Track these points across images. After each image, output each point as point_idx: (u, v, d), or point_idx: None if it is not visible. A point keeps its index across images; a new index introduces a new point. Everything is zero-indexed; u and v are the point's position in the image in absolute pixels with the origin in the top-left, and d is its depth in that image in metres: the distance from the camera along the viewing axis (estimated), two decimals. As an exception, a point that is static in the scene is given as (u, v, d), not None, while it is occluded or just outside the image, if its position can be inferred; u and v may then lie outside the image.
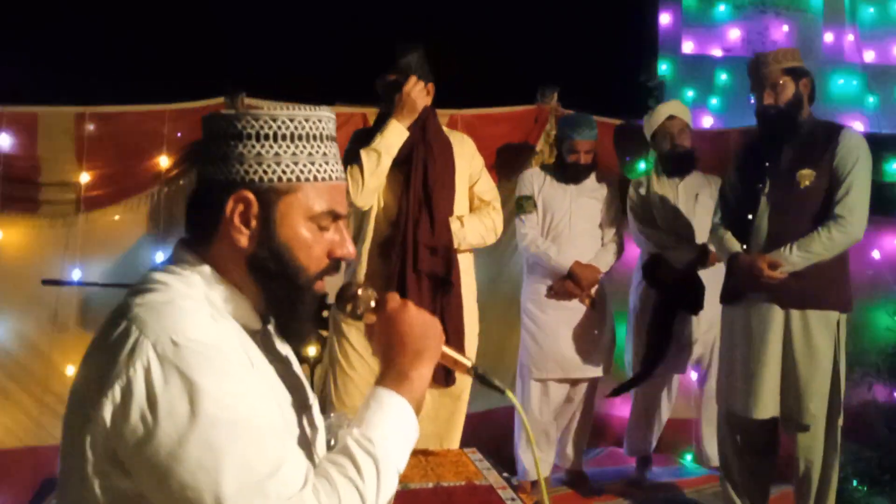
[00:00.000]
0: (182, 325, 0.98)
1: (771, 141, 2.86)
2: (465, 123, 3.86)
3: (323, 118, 1.13)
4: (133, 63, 4.98)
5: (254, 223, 1.07)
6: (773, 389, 2.76)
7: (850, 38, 5.97)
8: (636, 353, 3.63)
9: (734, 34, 5.78)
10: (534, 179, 3.60)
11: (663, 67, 5.52)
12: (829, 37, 5.99)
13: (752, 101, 2.94)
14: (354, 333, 2.79)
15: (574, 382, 3.54)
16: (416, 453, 2.60)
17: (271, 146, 1.07)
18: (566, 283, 3.45)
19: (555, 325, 3.49)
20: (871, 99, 5.77)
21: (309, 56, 5.36)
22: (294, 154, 1.08)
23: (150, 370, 0.94)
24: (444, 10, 5.38)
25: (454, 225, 2.84)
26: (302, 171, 1.08)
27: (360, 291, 1.17)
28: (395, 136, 2.72)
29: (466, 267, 2.95)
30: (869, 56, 6.12)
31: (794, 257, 2.70)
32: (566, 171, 3.55)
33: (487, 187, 3.05)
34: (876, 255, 4.33)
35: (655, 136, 3.63)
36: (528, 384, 3.52)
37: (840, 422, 2.81)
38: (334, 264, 1.14)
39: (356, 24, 5.57)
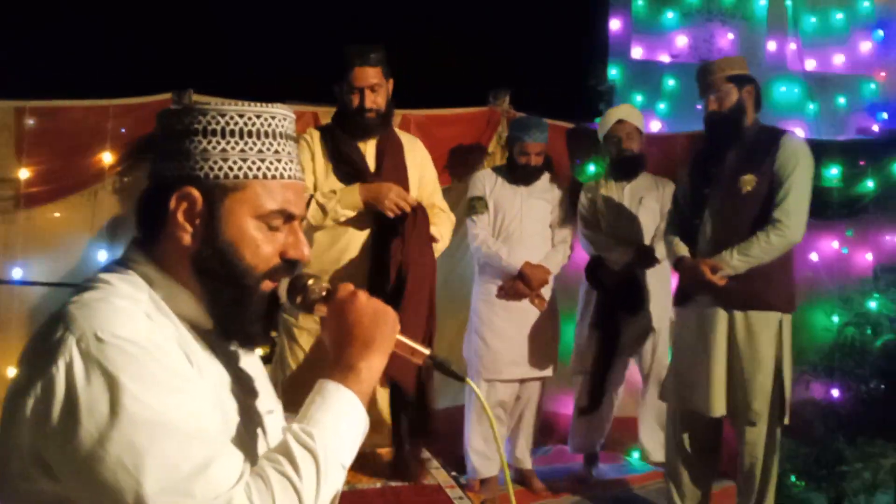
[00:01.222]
0: (111, 321, 0.95)
1: (715, 146, 2.94)
2: (418, 124, 3.87)
3: (277, 115, 1.10)
4: (77, 57, 4.86)
5: (198, 221, 1.05)
6: (721, 389, 2.83)
7: (793, 46, 6.16)
8: (578, 352, 3.70)
9: (681, 41, 5.91)
10: (485, 181, 3.63)
11: (613, 72, 5.61)
12: (772, 45, 6.18)
13: (700, 107, 3.02)
14: (305, 337, 2.76)
15: (523, 382, 3.57)
16: (365, 454, 2.60)
17: (218, 142, 1.05)
18: (516, 284, 3.49)
19: (505, 325, 3.52)
20: (811, 106, 5.97)
21: (260, 53, 5.31)
22: (243, 151, 1.06)
23: (71, 367, 0.91)
24: (398, 11, 5.39)
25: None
26: (250, 169, 1.06)
27: (310, 282, 1.13)
28: (349, 209, 2.69)
29: None
30: (810, 64, 6.32)
31: (735, 261, 2.77)
32: (517, 173, 3.59)
33: (440, 195, 3.04)
34: (814, 257, 4.48)
35: (605, 139, 3.69)
36: (478, 384, 3.54)
37: (786, 420, 2.89)
38: (287, 265, 1.11)
39: (308, 24, 5.53)
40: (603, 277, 3.60)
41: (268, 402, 1.20)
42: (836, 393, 4.08)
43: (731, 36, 6.02)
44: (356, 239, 2.74)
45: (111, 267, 1.08)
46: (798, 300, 3.03)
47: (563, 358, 3.76)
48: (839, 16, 6.45)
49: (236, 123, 1.06)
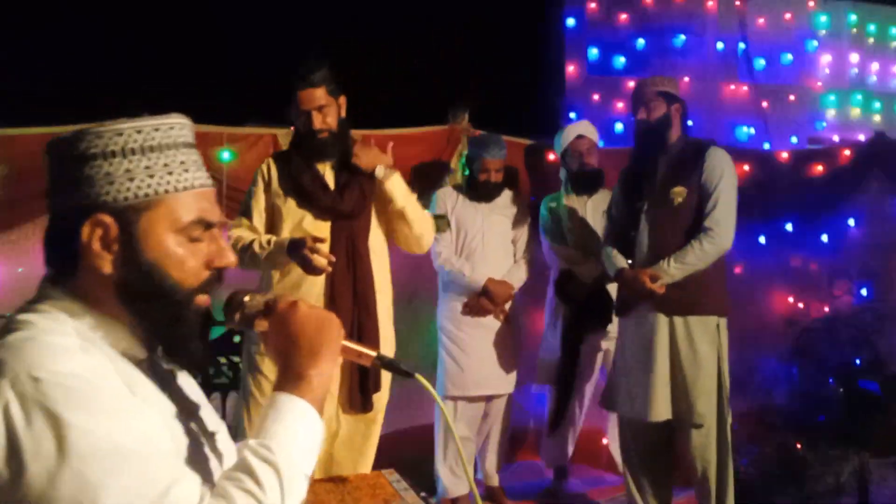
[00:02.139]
0: (44, 359, 0.92)
1: (644, 157, 3.06)
2: (380, 145, 3.86)
3: (175, 125, 1.07)
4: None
5: (115, 247, 1.02)
6: (665, 393, 2.89)
7: (742, 45, 6.32)
8: (543, 366, 3.71)
9: (635, 55, 6.04)
10: (447, 198, 3.64)
11: (572, 115, 5.70)
12: (723, 50, 6.32)
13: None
14: (268, 364, 2.72)
15: (490, 398, 3.58)
16: (332, 479, 2.56)
17: (121, 162, 1.01)
18: (480, 300, 3.50)
19: (471, 342, 3.53)
20: (763, 114, 6.13)
21: (219, 77, 5.27)
22: (148, 167, 1.03)
23: (8, 411, 0.88)
24: (356, 34, 5.40)
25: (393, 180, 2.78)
26: (160, 184, 1.03)
27: (246, 299, 1.12)
28: (280, 260, 2.64)
29: (382, 270, 2.89)
30: (760, 71, 6.49)
31: (673, 269, 2.87)
32: (478, 190, 3.61)
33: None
34: (771, 266, 4.57)
35: (565, 154, 3.74)
36: (446, 401, 3.54)
37: (729, 419, 2.95)
38: (216, 275, 1.09)
39: (268, 44, 5.51)
40: (573, 291, 3.63)
41: (212, 423, 1.18)
42: (795, 398, 4.16)
43: (683, 37, 6.18)
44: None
45: (28, 308, 1.03)
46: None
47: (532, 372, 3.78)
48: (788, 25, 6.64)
49: (135, 140, 1.03)
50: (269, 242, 2.66)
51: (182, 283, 1.05)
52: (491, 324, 3.54)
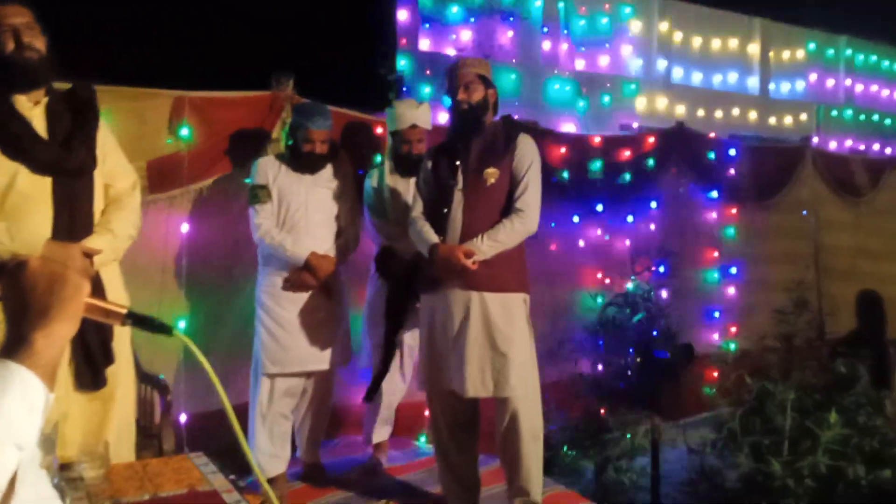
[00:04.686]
0: None
1: (461, 137, 3.12)
2: (194, 107, 3.64)
3: None
4: None
5: None
6: (479, 368, 2.98)
7: (564, 46, 6.63)
8: (370, 342, 3.70)
9: (466, 35, 6.13)
10: (268, 168, 3.48)
11: (402, 63, 5.68)
12: (546, 45, 6.60)
13: (449, 102, 3.14)
14: None
15: (310, 375, 3.51)
16: (131, 464, 2.40)
17: None
18: (302, 275, 3.41)
19: (291, 317, 3.43)
20: (581, 103, 6.48)
21: None
22: None
23: None
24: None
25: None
26: None
27: None
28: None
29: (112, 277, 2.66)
30: (580, 64, 6.85)
31: (485, 246, 2.97)
32: (302, 161, 3.49)
33: (123, 170, 2.70)
34: (581, 244, 4.86)
35: (395, 134, 3.69)
36: (262, 378, 3.43)
37: (538, 391, 3.10)
38: None
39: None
40: (393, 267, 3.62)
41: None
42: (600, 367, 4.47)
43: (510, 34, 6.35)
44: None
45: None
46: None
47: (356, 348, 3.75)
48: (604, 20, 7.04)
49: None
50: None
51: None
52: (312, 299, 3.46)
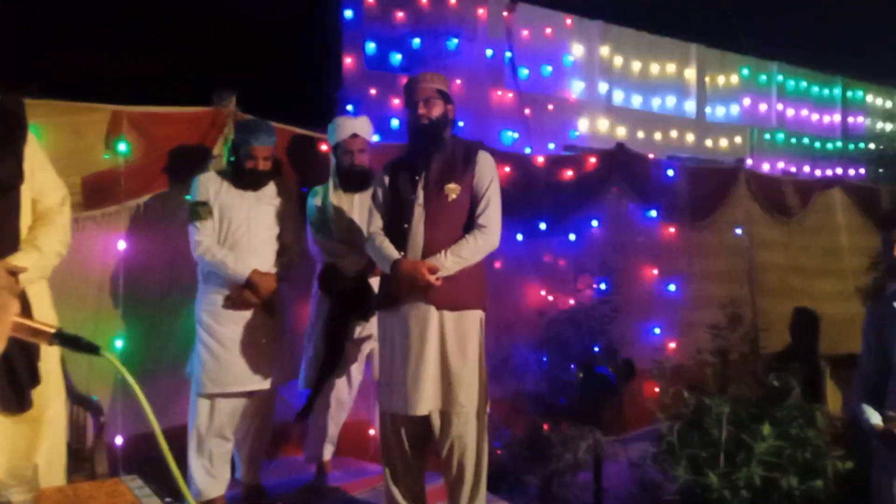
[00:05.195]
0: None
1: (422, 153, 3.11)
2: (133, 122, 3.58)
3: None
4: None
5: None
6: (433, 386, 2.97)
7: (509, 54, 6.73)
8: (310, 361, 3.66)
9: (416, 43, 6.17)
10: (209, 184, 3.44)
11: (347, 78, 5.68)
12: (489, 51, 6.69)
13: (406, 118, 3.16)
14: None
15: (251, 394, 3.45)
16: (62, 489, 2.31)
17: None
18: (244, 293, 3.36)
19: (232, 336, 3.38)
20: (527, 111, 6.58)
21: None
22: None
23: None
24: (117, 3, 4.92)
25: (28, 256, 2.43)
26: None
27: None
28: None
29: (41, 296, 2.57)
30: (524, 76, 6.96)
31: (449, 262, 2.97)
32: (244, 178, 3.45)
33: (52, 185, 2.58)
34: (526, 261, 4.90)
35: (337, 148, 3.69)
36: (201, 398, 3.36)
37: (487, 408, 3.11)
38: None
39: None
40: (336, 285, 3.60)
41: None
42: (543, 384, 4.52)
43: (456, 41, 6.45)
44: None
45: None
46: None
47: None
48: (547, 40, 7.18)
49: None
50: None
51: None
52: (254, 317, 3.41)
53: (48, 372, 2.52)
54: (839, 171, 9.03)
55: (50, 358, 2.55)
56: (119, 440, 3.50)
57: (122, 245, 3.61)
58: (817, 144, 9.42)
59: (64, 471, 2.66)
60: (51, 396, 2.53)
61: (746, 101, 9.01)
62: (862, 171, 9.34)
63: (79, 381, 3.02)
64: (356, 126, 3.68)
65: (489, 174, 3.09)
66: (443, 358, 2.98)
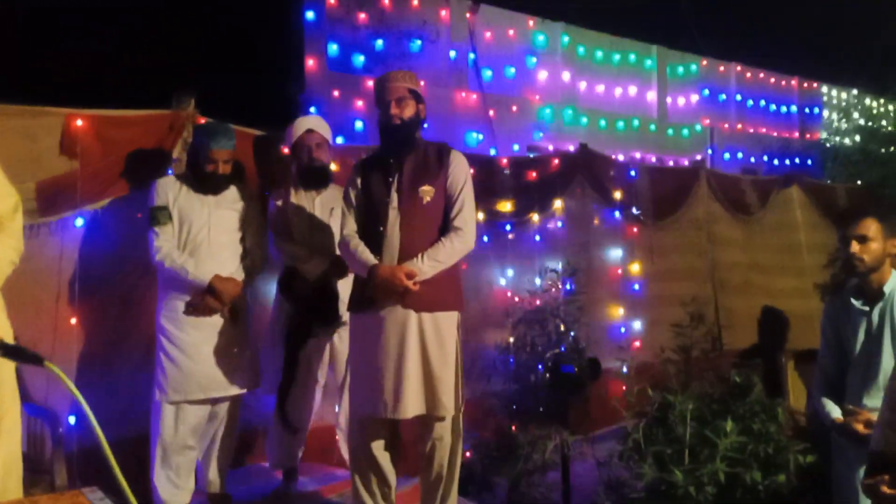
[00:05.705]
0: None
1: (394, 154, 3.06)
2: (88, 126, 3.49)
3: None
4: None
5: None
6: (417, 389, 2.93)
7: (472, 56, 6.75)
8: (271, 367, 3.60)
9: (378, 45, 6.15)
10: (168, 188, 3.38)
11: (308, 80, 5.65)
12: (452, 52, 6.70)
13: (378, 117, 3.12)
14: None
15: (216, 401, 3.40)
16: (19, 501, 2.25)
17: None
18: (206, 298, 3.31)
19: (195, 343, 3.32)
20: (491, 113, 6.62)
21: None
22: None
23: None
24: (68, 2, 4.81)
25: None
26: None
27: None
28: None
29: None
30: (487, 78, 6.98)
31: (426, 266, 2.93)
32: (204, 182, 3.40)
33: (4, 192, 2.53)
34: (492, 262, 4.91)
35: (294, 148, 3.66)
36: (164, 407, 3.29)
37: (462, 409, 3.10)
38: None
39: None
40: (297, 289, 3.55)
41: None
42: (512, 385, 4.53)
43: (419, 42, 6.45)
44: None
45: None
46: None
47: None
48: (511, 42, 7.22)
49: None
50: None
51: None
52: (216, 323, 3.36)
53: (2, 381, 2.44)
54: (797, 160, 9.26)
55: (3, 367, 2.47)
56: (78, 451, 3.41)
57: (78, 252, 3.52)
58: (775, 134, 9.71)
59: (20, 483, 2.59)
60: (6, 407, 2.47)
61: (706, 92, 9.20)
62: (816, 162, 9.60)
63: (37, 392, 2.94)
64: (310, 122, 3.68)
65: (463, 175, 3.05)
66: (424, 360, 2.94)
